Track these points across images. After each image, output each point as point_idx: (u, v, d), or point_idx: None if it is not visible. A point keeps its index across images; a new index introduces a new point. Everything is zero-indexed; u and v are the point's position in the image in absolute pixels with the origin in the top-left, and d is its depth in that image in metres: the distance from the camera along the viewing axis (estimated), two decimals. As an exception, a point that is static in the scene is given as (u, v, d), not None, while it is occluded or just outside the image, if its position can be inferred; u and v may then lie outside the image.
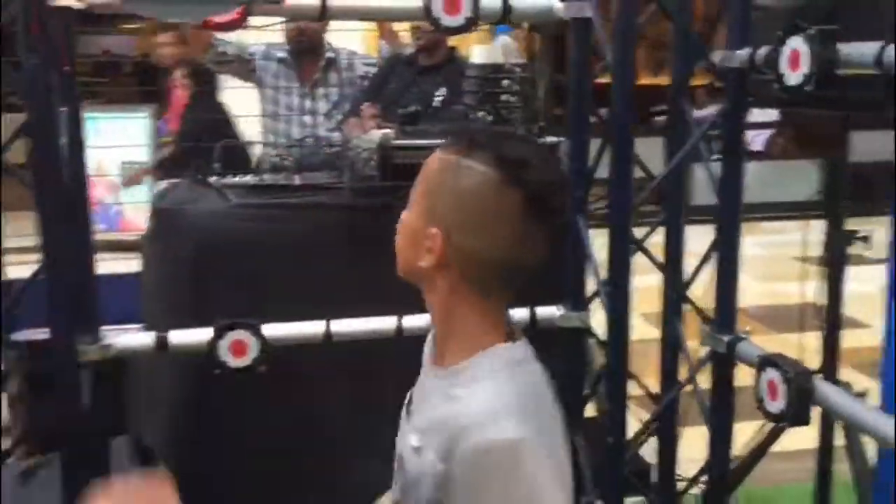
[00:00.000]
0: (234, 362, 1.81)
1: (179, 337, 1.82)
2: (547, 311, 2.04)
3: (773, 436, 2.37)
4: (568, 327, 2.06)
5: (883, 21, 1.62)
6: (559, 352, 2.11)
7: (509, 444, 1.02)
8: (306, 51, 3.26)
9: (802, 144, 7.11)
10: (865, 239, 2.07)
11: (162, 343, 1.80)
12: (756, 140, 7.28)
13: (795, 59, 1.45)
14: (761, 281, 5.19)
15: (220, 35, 3.21)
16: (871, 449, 2.16)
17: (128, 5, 1.67)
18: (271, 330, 1.86)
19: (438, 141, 2.22)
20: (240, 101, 3.62)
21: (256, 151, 3.30)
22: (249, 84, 3.42)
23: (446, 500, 1.07)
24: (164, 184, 2.45)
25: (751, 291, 3.24)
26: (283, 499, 2.18)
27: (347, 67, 3.33)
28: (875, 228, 2.24)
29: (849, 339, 2.26)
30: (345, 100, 3.32)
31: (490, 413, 1.04)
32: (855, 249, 2.18)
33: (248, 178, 2.28)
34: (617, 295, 1.85)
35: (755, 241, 5.99)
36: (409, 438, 1.15)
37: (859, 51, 1.37)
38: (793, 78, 1.46)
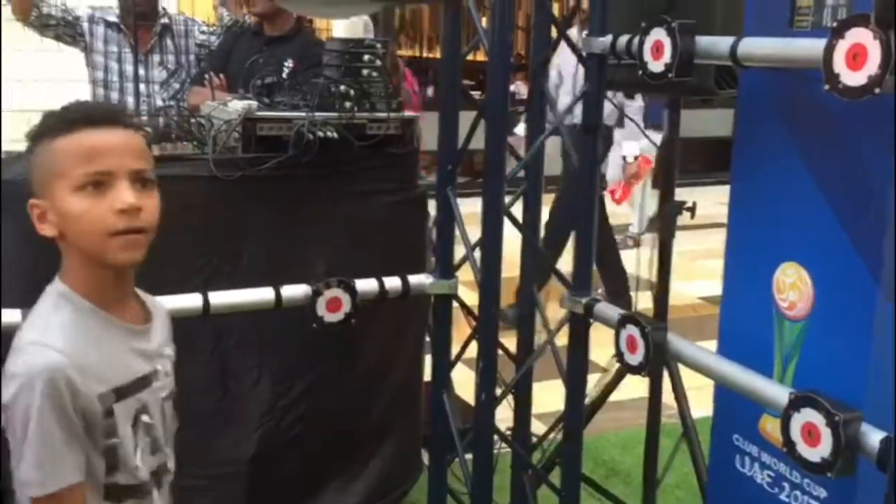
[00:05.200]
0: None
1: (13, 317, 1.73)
2: (417, 280, 2.14)
3: (610, 389, 2.63)
4: (437, 294, 2.17)
5: (712, 16, 1.87)
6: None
7: None
8: (141, 15, 3.13)
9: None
10: (692, 209, 2.33)
11: (31, 320, 1.71)
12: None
13: (658, 49, 1.62)
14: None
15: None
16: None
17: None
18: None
19: (300, 113, 2.28)
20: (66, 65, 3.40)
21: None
22: (74, 49, 3.24)
23: None
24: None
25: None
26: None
27: (184, 34, 3.24)
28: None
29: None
30: (182, 68, 3.22)
31: None
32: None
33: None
34: (489, 259, 1.98)
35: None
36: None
37: (715, 44, 1.56)
38: (655, 66, 1.63)
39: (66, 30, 3.14)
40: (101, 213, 1.16)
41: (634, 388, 2.60)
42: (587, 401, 2.58)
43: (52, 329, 1.19)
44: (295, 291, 1.97)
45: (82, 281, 1.22)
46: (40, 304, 1.24)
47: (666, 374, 2.39)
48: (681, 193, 2.41)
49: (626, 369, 1.81)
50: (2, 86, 2.65)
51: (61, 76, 3.36)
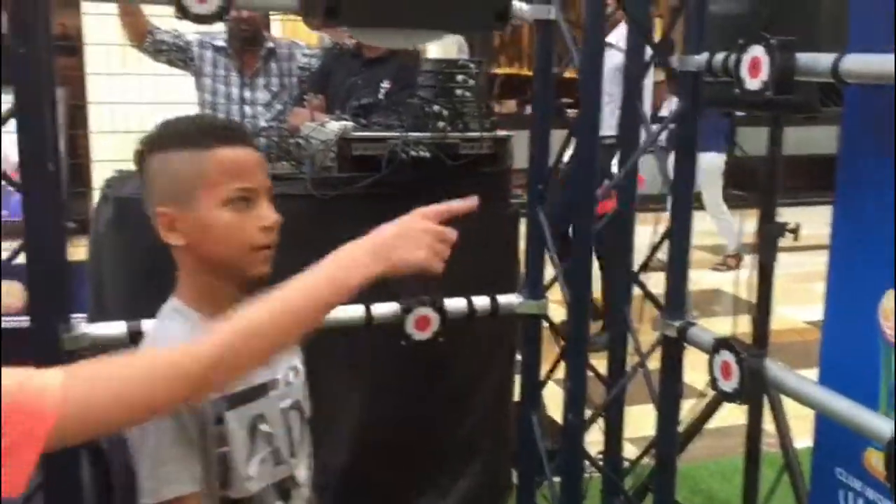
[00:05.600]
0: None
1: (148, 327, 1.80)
2: (506, 299, 2.13)
3: (707, 415, 2.54)
4: (526, 314, 2.15)
5: (816, 31, 1.80)
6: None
7: None
8: (247, 40, 3.25)
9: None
10: (795, 231, 2.24)
11: (135, 333, 1.79)
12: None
13: (756, 66, 1.57)
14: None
15: (156, 23, 3.18)
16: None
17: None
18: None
19: (395, 133, 2.31)
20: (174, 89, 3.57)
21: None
22: (185, 72, 3.39)
23: None
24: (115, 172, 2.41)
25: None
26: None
27: (287, 58, 3.34)
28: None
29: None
30: (284, 90, 3.33)
31: None
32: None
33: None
34: (578, 280, 1.95)
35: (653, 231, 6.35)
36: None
37: (816, 60, 1.50)
38: (752, 84, 1.59)
39: (178, 55, 3.29)
40: (247, 227, 1.22)
41: (735, 414, 2.50)
42: (683, 426, 2.51)
43: (161, 341, 1.24)
44: (385, 309, 1.99)
45: (197, 293, 1.26)
46: (157, 320, 1.29)
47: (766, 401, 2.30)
48: (789, 213, 2.32)
49: (720, 396, 1.76)
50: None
51: (169, 98, 3.52)
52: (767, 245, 2.31)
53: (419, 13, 1.73)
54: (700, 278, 5.34)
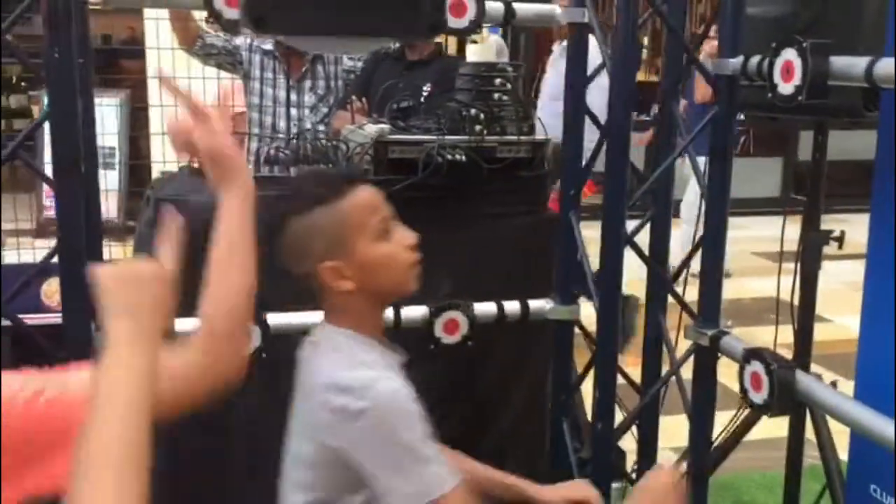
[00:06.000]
0: (239, 350, 1.84)
1: (185, 325, 1.84)
2: (538, 304, 2.12)
3: (746, 426, 2.48)
4: (558, 320, 2.13)
5: (859, 34, 1.74)
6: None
7: None
8: (294, 43, 3.29)
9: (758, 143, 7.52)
10: (840, 239, 2.17)
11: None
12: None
13: (789, 70, 1.53)
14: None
15: (206, 27, 3.24)
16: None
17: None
18: (274, 319, 1.90)
19: (432, 137, 2.31)
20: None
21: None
22: (233, 75, 3.45)
23: None
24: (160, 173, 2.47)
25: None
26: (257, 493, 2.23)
27: (334, 61, 3.37)
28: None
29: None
30: (331, 93, 3.36)
31: None
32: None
33: (247, 170, 2.32)
34: (608, 287, 1.93)
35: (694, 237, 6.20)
36: None
37: (850, 64, 1.46)
38: (786, 88, 1.55)
39: (227, 58, 3.35)
40: (399, 251, 1.34)
41: (781, 426, 2.44)
42: (724, 436, 2.46)
43: (373, 364, 1.32)
44: (414, 312, 2.00)
45: (355, 320, 1.36)
46: (335, 349, 1.36)
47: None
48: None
49: (750, 408, 1.72)
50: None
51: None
52: (811, 254, 2.25)
53: (349, 21, 1.73)
54: (757, 285, 5.21)
